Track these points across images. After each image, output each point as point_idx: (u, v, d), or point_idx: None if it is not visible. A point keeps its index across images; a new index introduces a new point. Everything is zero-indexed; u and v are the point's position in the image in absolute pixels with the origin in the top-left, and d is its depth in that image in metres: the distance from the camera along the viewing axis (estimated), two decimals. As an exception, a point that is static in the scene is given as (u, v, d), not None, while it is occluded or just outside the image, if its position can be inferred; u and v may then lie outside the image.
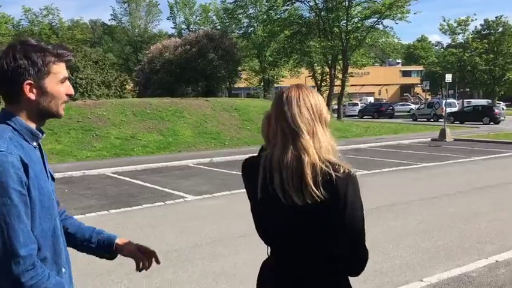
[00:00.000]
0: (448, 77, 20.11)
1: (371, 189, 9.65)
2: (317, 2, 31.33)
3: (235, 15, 42.36)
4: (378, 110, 44.44)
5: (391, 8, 27.79)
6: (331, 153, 1.59)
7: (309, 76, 39.98)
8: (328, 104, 32.69)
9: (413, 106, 49.80)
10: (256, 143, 18.41)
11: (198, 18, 50.60)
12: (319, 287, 1.64)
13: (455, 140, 19.86)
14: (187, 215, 7.88)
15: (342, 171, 1.55)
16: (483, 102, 42.88)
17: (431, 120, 36.07)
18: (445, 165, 12.93)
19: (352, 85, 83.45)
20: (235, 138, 18.56)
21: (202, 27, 46.81)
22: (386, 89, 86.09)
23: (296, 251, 1.64)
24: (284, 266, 1.68)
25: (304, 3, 32.40)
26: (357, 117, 43.79)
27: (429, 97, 74.95)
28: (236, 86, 52.67)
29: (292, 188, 1.55)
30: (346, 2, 29.27)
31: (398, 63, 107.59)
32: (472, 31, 51.00)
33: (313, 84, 40.03)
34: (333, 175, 1.53)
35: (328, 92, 32.87)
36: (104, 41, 52.47)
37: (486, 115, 33.01)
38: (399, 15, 29.51)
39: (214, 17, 47.80)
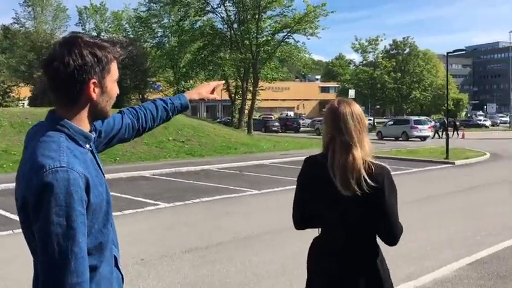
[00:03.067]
0: (351, 93, 20.13)
1: (254, 211, 8.75)
2: (229, 14, 30.67)
3: (149, 25, 40.80)
4: (284, 124, 45.78)
5: (300, 23, 27.74)
6: (371, 155, 2.10)
7: (224, 89, 39.21)
8: (240, 118, 32.00)
9: None
10: (152, 158, 17.05)
11: (109, 25, 48.20)
12: (363, 258, 2.12)
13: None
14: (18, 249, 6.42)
15: (380, 168, 2.07)
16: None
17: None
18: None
19: (272, 99, 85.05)
20: (129, 153, 17.03)
21: (114, 35, 44.57)
22: (304, 104, 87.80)
23: (349, 230, 2.10)
24: (336, 243, 2.13)
25: (216, 15, 31.64)
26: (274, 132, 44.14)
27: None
28: (151, 97, 50.86)
29: (350, 184, 2.01)
30: (257, 15, 28.81)
31: (317, 79, 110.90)
32: (382, 50, 53.17)
33: (228, 97, 39.34)
34: (374, 172, 2.04)
35: (240, 105, 32.18)
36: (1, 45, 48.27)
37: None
38: (310, 30, 29.58)
39: (127, 25, 45.72)
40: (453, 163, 17.45)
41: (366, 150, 2.07)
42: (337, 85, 77.70)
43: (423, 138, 32.02)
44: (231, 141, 22.09)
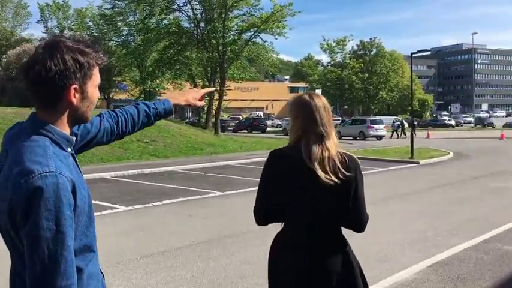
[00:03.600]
0: (318, 92, 20.01)
1: (216, 214, 8.47)
2: (195, 12, 30.25)
3: (114, 23, 39.90)
4: (251, 125, 45.80)
5: (267, 22, 27.59)
6: (338, 146, 2.13)
7: (191, 89, 38.74)
8: (208, 119, 31.64)
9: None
10: (115, 160, 16.56)
11: (72, 23, 46.93)
12: (334, 251, 2.11)
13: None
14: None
15: (351, 158, 2.11)
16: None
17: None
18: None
19: (242, 99, 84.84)
20: (90, 154, 16.45)
21: (77, 33, 43.40)
22: (272, 104, 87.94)
23: (320, 220, 2.10)
24: (304, 235, 2.10)
25: (183, 13, 31.16)
26: (244, 132, 44.28)
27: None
28: (117, 97, 49.76)
29: (329, 174, 2.02)
30: (224, 14, 28.50)
31: (286, 79, 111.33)
32: (349, 51, 53.68)
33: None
34: (347, 161, 2.07)
35: (207, 105, 31.81)
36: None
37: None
38: (277, 30, 29.47)
39: (90, 23, 44.63)
40: (418, 162, 17.63)
41: (335, 141, 2.11)
42: (306, 85, 78.29)
43: (379, 137, 33.00)
44: (197, 142, 21.75)
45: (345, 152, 2.11)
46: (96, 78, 1.56)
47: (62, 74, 1.44)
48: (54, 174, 1.36)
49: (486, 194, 10.74)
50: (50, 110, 1.49)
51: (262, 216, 2.20)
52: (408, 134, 34.27)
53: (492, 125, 55.09)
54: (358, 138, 33.32)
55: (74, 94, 1.48)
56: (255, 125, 45.74)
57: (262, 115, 73.42)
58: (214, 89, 2.32)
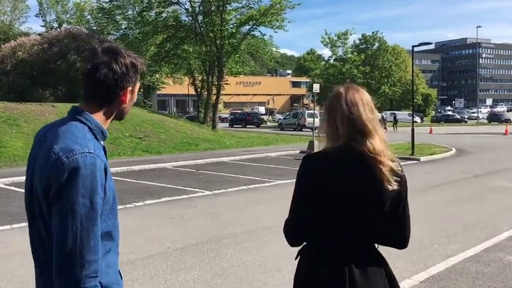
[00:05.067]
0: (316, 87, 19.47)
1: (199, 216, 7.88)
2: (193, 5, 29.61)
3: (113, 16, 39.26)
4: (245, 120, 45.65)
5: (265, 15, 26.93)
6: (388, 148, 1.83)
7: (190, 83, 38.19)
8: (206, 114, 31.08)
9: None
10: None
11: (71, 17, 46.33)
12: (375, 263, 1.85)
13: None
14: None
15: (399, 163, 1.85)
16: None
17: (297, 129, 37.33)
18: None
19: (244, 94, 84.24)
20: (79, 150, 15.98)
21: (76, 26, 42.84)
22: (274, 99, 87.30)
23: (367, 234, 1.83)
24: (353, 249, 1.81)
25: (181, 6, 30.52)
26: (238, 126, 43.99)
27: (317, 108, 77.10)
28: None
29: (372, 182, 1.76)
30: (221, 7, 27.83)
31: (288, 74, 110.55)
32: (351, 45, 52.94)
33: (194, 91, 38.30)
34: (399, 168, 1.82)
35: (206, 100, 31.23)
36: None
37: None
38: (277, 23, 28.82)
39: (89, 17, 44.02)
40: (418, 159, 17.05)
41: (385, 141, 1.83)
42: (308, 80, 77.58)
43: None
44: (192, 138, 21.22)
45: (394, 157, 1.84)
46: (138, 82, 1.71)
47: (124, 78, 1.60)
48: (92, 156, 1.48)
49: (489, 194, 10.16)
50: (102, 106, 1.62)
51: (295, 230, 1.85)
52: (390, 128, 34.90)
53: (510, 121, 52.96)
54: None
55: (127, 95, 1.65)
56: (248, 120, 45.42)
57: (263, 110, 72.83)
58: None
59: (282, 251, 5.84)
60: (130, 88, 1.64)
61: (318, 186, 1.79)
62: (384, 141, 1.82)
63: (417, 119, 50.23)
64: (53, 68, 26.76)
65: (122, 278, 1.73)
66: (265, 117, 52.40)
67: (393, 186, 1.77)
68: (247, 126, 43.81)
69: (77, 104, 1.66)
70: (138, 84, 1.71)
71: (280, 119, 47.38)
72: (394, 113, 42.70)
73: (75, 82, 27.74)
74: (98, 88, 1.59)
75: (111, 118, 1.69)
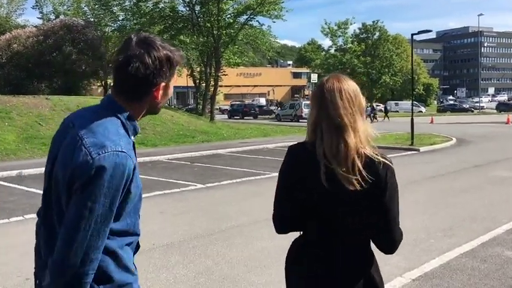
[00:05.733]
0: (314, 77, 19.19)
1: (189, 211, 7.62)
2: (190, -5, 29.19)
3: (110, 7, 38.78)
4: (242, 111, 45.57)
5: (262, 4, 26.50)
6: (368, 143, 1.72)
7: (188, 75, 37.83)
8: (204, 105, 30.78)
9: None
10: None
11: (68, 9, 45.78)
12: (358, 263, 1.77)
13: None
14: None
15: (380, 159, 1.71)
16: None
17: (294, 120, 37.37)
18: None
19: (244, 85, 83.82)
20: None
21: (73, 18, 42.45)
22: (274, 90, 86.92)
23: (339, 233, 1.75)
24: (334, 257, 1.75)
25: (177, -4, 30.08)
26: (236, 117, 43.99)
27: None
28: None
29: (348, 177, 1.66)
30: (218, -4, 27.42)
31: (289, 64, 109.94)
32: (351, 34, 52.38)
33: (193, 83, 37.97)
34: (374, 163, 1.69)
35: (204, 91, 30.91)
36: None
37: None
38: (275, 12, 28.41)
39: (86, 8, 43.51)
40: (418, 150, 16.77)
41: (360, 137, 1.71)
42: (308, 70, 77.25)
43: None
44: (189, 129, 20.96)
45: (373, 152, 1.71)
46: (175, 75, 1.62)
47: (157, 72, 1.51)
48: (124, 155, 1.42)
49: (488, 184, 9.90)
50: (133, 102, 1.55)
51: (279, 224, 1.86)
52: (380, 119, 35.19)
53: None
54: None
55: (160, 91, 1.56)
56: (245, 111, 45.30)
57: (264, 101, 72.46)
58: None
59: (271, 248, 5.60)
60: (164, 84, 1.56)
61: (299, 180, 1.75)
62: (364, 136, 1.72)
63: (422, 108, 50.00)
64: (48, 60, 26.52)
65: (136, 270, 1.72)
66: (272, 108, 51.83)
67: (354, 186, 1.66)
68: (245, 117, 43.86)
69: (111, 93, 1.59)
70: (174, 78, 1.62)
71: (277, 109, 47.33)
72: (385, 104, 42.62)
73: (70, 74, 27.61)
74: (129, 82, 1.52)
75: (143, 113, 1.62)
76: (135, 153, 1.57)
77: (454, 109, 53.91)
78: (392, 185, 1.72)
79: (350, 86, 1.76)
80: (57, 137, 1.59)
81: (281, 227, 1.85)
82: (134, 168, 1.48)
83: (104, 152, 1.40)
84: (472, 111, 54.08)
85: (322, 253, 1.76)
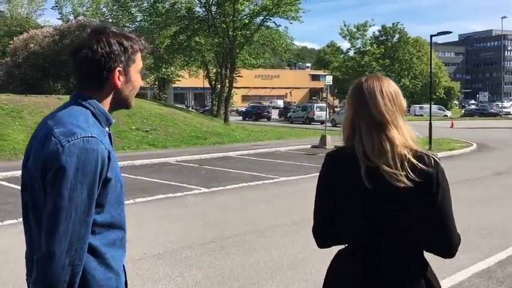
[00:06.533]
0: (328, 79, 18.71)
1: (187, 217, 7.22)
2: (207, -5, 28.97)
3: (128, 8, 38.93)
4: (256, 113, 45.74)
5: (279, 5, 26.10)
6: (413, 141, 1.66)
7: (204, 76, 37.67)
8: (219, 107, 30.53)
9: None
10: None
11: (87, 9, 46.14)
12: (411, 275, 1.68)
13: (336, 147, 18.33)
14: None
15: (430, 158, 1.64)
16: None
17: (306, 122, 37.64)
18: (304, 180, 11.03)
19: (262, 87, 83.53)
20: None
21: (91, 19, 42.75)
22: (291, 92, 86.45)
23: (389, 239, 1.66)
24: (376, 256, 1.68)
25: (193, -3, 29.91)
26: (249, 119, 44.14)
27: (336, 101, 76.57)
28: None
29: (389, 174, 1.60)
30: (233, -3, 27.09)
31: (308, 67, 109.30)
32: (370, 36, 51.56)
33: (208, 85, 37.79)
34: (423, 160, 1.61)
35: (219, 92, 30.64)
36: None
37: None
38: (292, 14, 28.01)
39: (105, 9, 43.83)
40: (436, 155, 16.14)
41: (404, 134, 1.65)
42: (326, 73, 76.64)
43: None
44: (201, 131, 20.66)
45: (425, 151, 1.67)
46: (138, 63, 1.61)
47: (107, 57, 1.51)
48: (95, 141, 1.40)
49: (509, 194, 9.32)
50: (95, 91, 1.54)
51: (321, 238, 1.78)
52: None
53: None
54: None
55: (119, 77, 1.55)
56: (258, 113, 45.38)
57: (282, 103, 72.07)
58: None
59: (269, 260, 5.22)
60: (119, 68, 1.53)
61: (339, 183, 1.71)
62: (409, 134, 1.66)
63: (448, 112, 48.73)
64: (64, 60, 26.42)
65: (125, 275, 1.64)
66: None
67: (403, 183, 1.59)
68: (259, 119, 43.95)
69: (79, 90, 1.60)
70: (135, 66, 1.58)
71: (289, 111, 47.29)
72: None
73: (86, 74, 27.60)
74: (82, 70, 1.54)
75: (111, 103, 1.58)
76: (112, 143, 1.56)
77: (483, 113, 51.71)
78: (443, 185, 1.66)
79: (391, 85, 1.72)
80: (30, 140, 1.57)
81: (323, 238, 1.77)
82: (109, 155, 1.44)
83: (73, 139, 1.38)
84: (501, 115, 52.06)
85: (368, 256, 1.68)
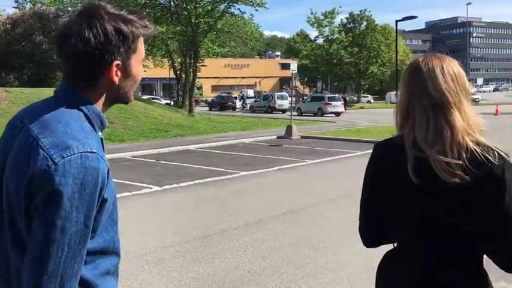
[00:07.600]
0: (293, 67, 18.11)
1: (133, 221, 6.49)
2: (169, -18, 27.89)
3: (90, -3, 37.41)
4: (220, 103, 45.58)
5: (242, -9, 25.35)
6: (478, 130, 1.45)
7: (169, 66, 36.59)
8: (184, 97, 29.65)
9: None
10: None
11: (45, -1, 44.13)
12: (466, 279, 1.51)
13: (302, 137, 17.82)
14: None
15: (495, 152, 1.42)
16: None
17: (268, 112, 37.66)
18: (266, 174, 10.41)
19: (232, 77, 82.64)
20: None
21: (52, 8, 40.89)
22: (260, 82, 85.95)
23: (439, 234, 1.49)
24: (424, 251, 1.51)
25: (155, -17, 28.78)
26: (215, 109, 43.99)
27: (306, 90, 76.53)
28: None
29: (442, 169, 1.40)
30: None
31: (277, 55, 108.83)
32: (338, 24, 51.27)
33: (174, 75, 36.77)
34: (487, 153, 1.41)
35: (183, 83, 29.68)
36: None
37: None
38: (257, 0, 27.27)
39: (65, -2, 41.94)
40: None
41: (468, 119, 1.42)
42: (295, 61, 76.24)
43: (337, 114, 34.19)
44: (163, 123, 19.79)
45: (491, 144, 1.41)
46: (141, 51, 1.31)
47: (103, 49, 1.22)
48: (96, 157, 1.16)
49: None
50: (89, 87, 1.27)
51: (367, 237, 1.62)
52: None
53: None
54: (317, 114, 34.24)
55: (116, 72, 1.27)
56: (223, 103, 45.07)
57: (252, 93, 71.64)
58: None
59: (212, 274, 4.52)
60: (118, 62, 1.23)
61: (388, 178, 1.52)
62: (473, 120, 1.42)
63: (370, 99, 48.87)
64: (17, 50, 25.16)
65: None
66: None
67: (458, 178, 1.37)
68: (224, 109, 43.77)
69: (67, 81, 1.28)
70: (136, 56, 1.28)
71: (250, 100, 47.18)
72: (344, 95, 43.35)
73: (41, 65, 26.22)
74: (69, 64, 1.24)
75: (106, 101, 1.30)
76: (104, 150, 1.27)
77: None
78: (511, 181, 1.41)
79: (453, 64, 1.53)
80: (3, 142, 1.26)
81: (369, 237, 1.64)
82: (108, 172, 1.20)
83: (69, 154, 1.12)
84: (478, 101, 50.79)
85: (416, 252, 1.52)
